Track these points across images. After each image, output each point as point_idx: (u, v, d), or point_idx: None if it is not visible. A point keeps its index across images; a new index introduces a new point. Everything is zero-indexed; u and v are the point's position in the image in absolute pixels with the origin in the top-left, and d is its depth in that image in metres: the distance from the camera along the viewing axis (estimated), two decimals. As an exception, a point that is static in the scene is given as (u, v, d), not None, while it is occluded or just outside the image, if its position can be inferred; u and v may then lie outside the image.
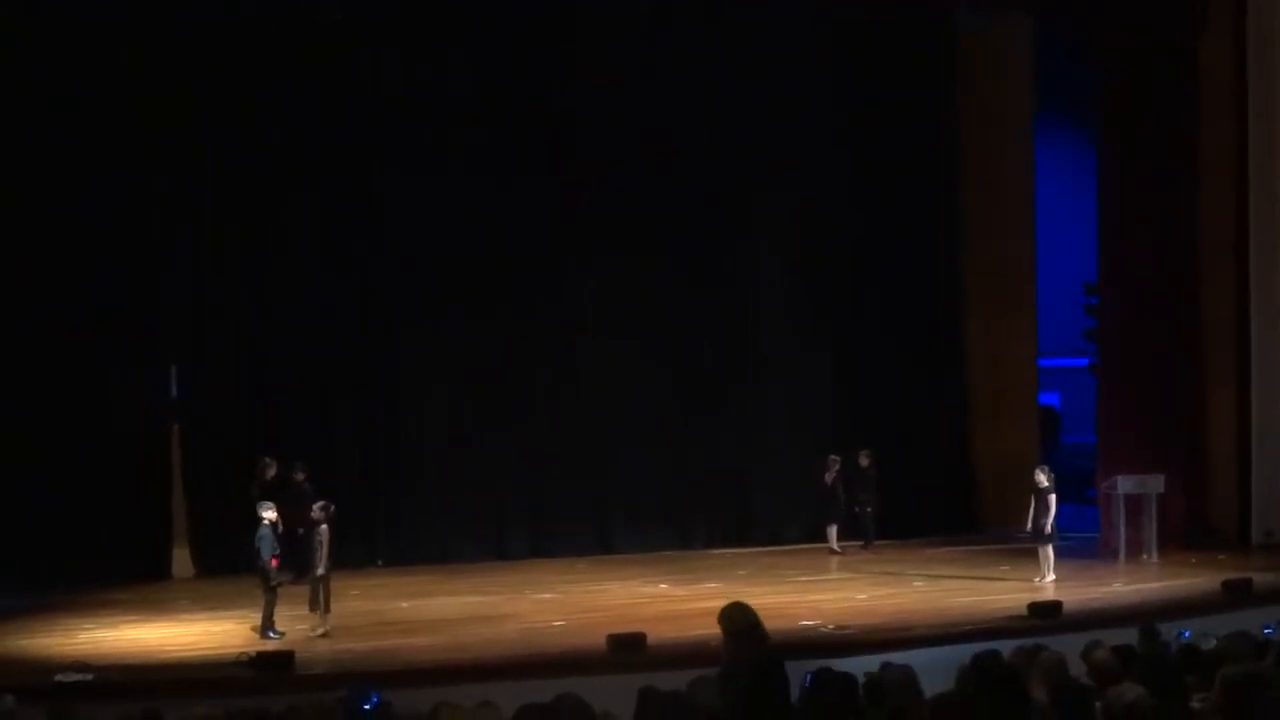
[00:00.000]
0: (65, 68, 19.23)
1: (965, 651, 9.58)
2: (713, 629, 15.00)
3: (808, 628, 15.22)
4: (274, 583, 14.84)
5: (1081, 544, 21.30)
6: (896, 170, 23.84)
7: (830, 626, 15.23)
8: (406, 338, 21.42)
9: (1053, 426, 28.89)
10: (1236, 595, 16.63)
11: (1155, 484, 20.58)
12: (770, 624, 15.31)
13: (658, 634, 14.14)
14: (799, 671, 7.74)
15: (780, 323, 23.61)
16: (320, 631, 14.92)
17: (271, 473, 18.83)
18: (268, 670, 12.79)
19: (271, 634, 14.61)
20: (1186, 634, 10.96)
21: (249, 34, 20.38)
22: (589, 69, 22.26)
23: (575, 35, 22.21)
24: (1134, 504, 20.69)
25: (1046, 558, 18.39)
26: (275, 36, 20.57)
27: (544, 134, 21.97)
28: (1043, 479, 18.43)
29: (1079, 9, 22.37)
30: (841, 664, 10.12)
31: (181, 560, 19.97)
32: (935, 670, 8.16)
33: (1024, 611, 15.35)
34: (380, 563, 20.81)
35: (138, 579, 18.85)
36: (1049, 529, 18.33)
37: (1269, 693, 6.56)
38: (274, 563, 14.93)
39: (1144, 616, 13.83)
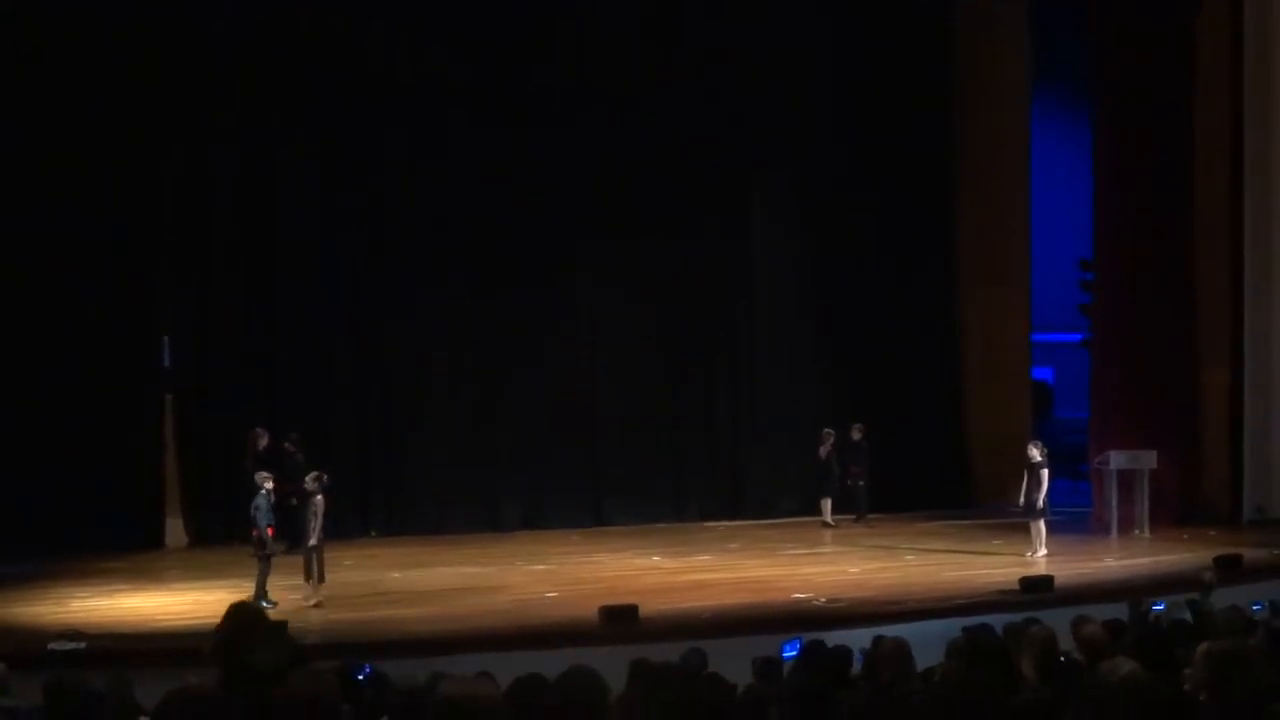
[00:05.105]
0: (71, 51, 19.25)
1: (956, 625, 9.63)
2: (704, 600, 15.14)
3: (800, 600, 15.27)
4: (268, 552, 14.86)
5: (1074, 519, 21.40)
6: (892, 146, 23.83)
7: (822, 599, 15.26)
8: (403, 310, 21.40)
9: (1046, 401, 28.95)
10: (1227, 571, 16.67)
11: (1148, 460, 20.63)
12: (763, 596, 15.51)
13: (650, 606, 14.17)
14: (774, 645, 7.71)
15: (775, 296, 23.65)
16: (313, 601, 14.94)
17: (264, 443, 18.85)
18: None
19: (264, 604, 14.61)
20: (1159, 605, 10.99)
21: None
22: (587, 55, 22.23)
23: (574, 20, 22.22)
24: (1126, 479, 20.75)
25: (1038, 532, 18.43)
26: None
27: (544, 116, 21.91)
28: (1036, 454, 18.47)
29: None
30: (833, 637, 10.17)
31: (174, 530, 20.00)
32: (927, 644, 8.18)
33: (1015, 586, 15.38)
34: (374, 533, 20.86)
35: (131, 548, 18.85)
36: (1041, 504, 18.37)
37: (1252, 669, 6.57)
38: (269, 532, 14.95)
39: (1135, 592, 13.86)
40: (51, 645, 12.38)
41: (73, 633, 12.82)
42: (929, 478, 23.74)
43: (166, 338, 20.47)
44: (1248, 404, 21.88)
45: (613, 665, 6.08)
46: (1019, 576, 15.69)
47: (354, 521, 20.32)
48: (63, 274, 19.19)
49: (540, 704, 5.02)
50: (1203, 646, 6.65)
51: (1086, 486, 22.55)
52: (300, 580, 15.17)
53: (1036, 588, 15.30)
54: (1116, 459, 20.60)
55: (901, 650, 7.32)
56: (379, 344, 21.35)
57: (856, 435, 21.99)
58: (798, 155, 23.62)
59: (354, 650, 11.70)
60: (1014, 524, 19.71)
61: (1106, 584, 16.26)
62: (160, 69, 19.87)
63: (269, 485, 15.22)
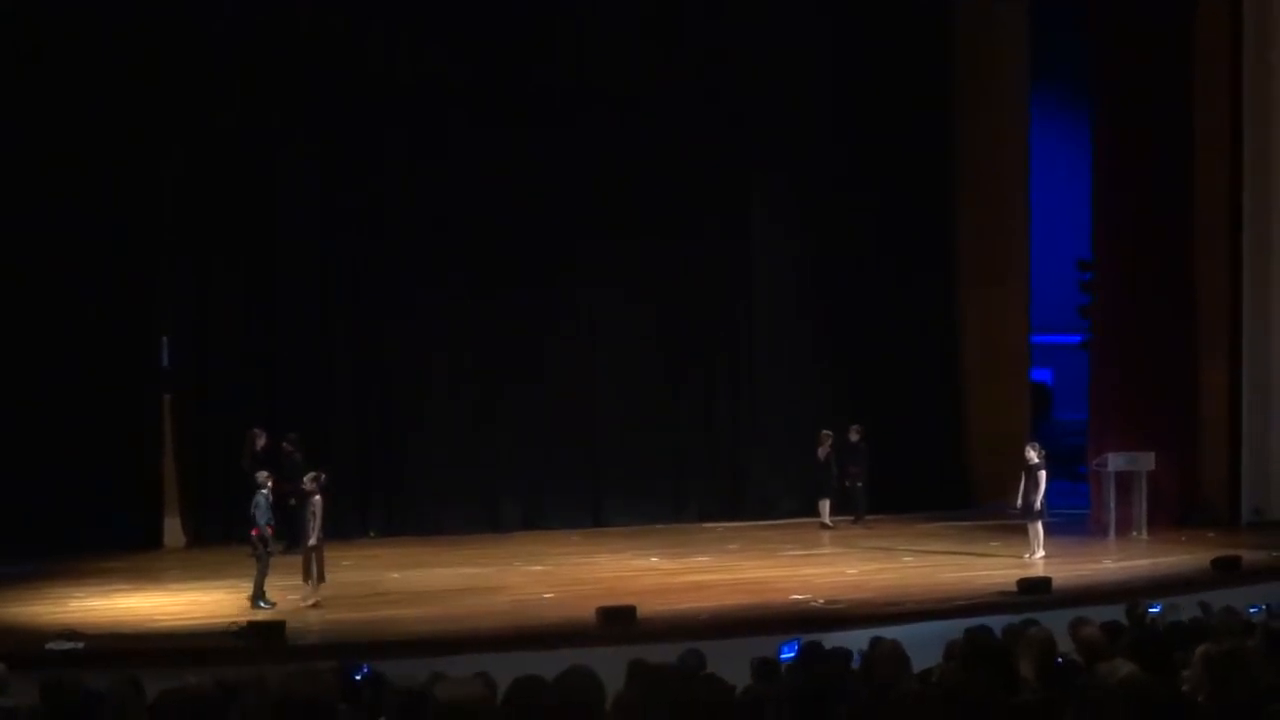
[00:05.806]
0: (71, 51, 19.25)
1: (954, 627, 9.62)
2: (703, 601, 15.14)
3: (798, 602, 15.27)
4: (267, 552, 14.86)
5: (1072, 521, 21.38)
6: (892, 146, 23.83)
7: (820, 601, 15.25)
8: (403, 310, 21.40)
9: (1045, 403, 28.96)
10: (1225, 573, 16.69)
11: (1146, 461, 20.63)
12: (762, 597, 15.52)
13: (648, 607, 14.16)
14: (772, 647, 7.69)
15: (775, 296, 23.65)
16: (312, 602, 14.93)
17: (261, 443, 18.84)
18: (258, 640, 12.79)
19: (263, 604, 14.61)
20: (1155, 607, 10.98)
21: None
22: (587, 55, 22.23)
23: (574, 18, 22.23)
24: (1125, 481, 20.75)
25: (1036, 534, 18.42)
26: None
27: (544, 116, 21.90)
28: (1033, 455, 18.45)
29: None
30: (831, 638, 10.18)
31: (173, 530, 20.00)
32: (924, 645, 8.19)
33: (1013, 587, 15.37)
34: (372, 533, 20.84)
35: (129, 548, 18.84)
36: (1039, 505, 18.36)
37: (1250, 671, 6.58)
38: (269, 531, 14.96)
39: (1133, 594, 13.86)
40: (49, 645, 12.36)
41: (70, 633, 12.81)
42: (928, 478, 23.74)
43: (166, 338, 20.47)
44: (1246, 405, 21.88)
45: (611, 666, 6.09)
46: (1017, 578, 15.68)
47: (354, 521, 20.31)
48: (63, 274, 19.18)
49: (539, 704, 5.02)
50: (1201, 648, 6.67)
51: (1085, 488, 22.54)
52: (299, 580, 15.16)
53: (1034, 589, 15.28)
54: (1115, 461, 20.61)
55: (897, 652, 7.32)
56: (379, 344, 21.35)
57: (854, 437, 22.00)
58: (798, 155, 23.63)
59: (353, 650, 11.71)
60: (1012, 525, 19.69)
61: (1105, 586, 16.25)
62: (160, 69, 19.88)
63: (268, 484, 15.22)
